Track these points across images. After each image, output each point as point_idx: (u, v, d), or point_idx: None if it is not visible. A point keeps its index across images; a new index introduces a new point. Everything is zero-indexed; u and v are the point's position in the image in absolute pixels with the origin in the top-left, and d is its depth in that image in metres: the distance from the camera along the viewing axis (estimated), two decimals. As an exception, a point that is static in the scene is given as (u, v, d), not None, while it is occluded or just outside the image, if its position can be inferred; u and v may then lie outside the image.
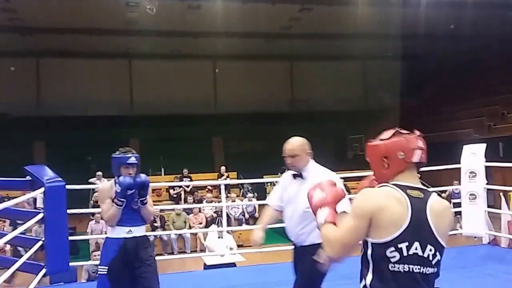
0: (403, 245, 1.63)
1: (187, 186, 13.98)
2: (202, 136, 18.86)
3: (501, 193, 6.74)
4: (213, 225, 11.52)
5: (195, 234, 11.45)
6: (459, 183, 6.53)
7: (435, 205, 1.69)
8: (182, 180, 13.90)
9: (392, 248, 1.63)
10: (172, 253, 11.23)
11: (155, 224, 11.71)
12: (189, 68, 18.85)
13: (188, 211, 12.22)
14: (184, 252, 11.35)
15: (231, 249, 7.63)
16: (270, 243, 11.26)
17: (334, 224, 1.74)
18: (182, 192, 14.10)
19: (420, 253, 1.65)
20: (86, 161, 17.03)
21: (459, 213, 6.44)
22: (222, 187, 6.67)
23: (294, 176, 3.12)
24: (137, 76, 18.56)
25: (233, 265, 6.84)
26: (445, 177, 8.62)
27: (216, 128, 18.71)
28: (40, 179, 4.55)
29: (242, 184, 14.45)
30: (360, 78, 21.23)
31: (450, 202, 13.10)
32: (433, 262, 1.70)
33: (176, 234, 11.46)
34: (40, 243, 4.53)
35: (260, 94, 19.14)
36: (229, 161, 17.12)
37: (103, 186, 3.45)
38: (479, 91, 18.03)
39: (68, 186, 4.83)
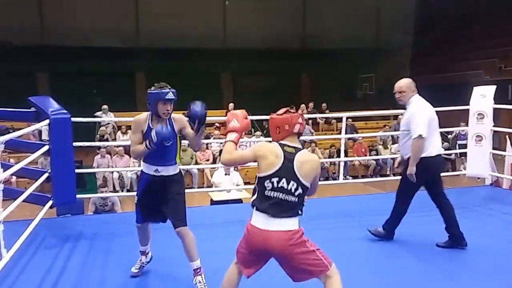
0: (274, 180, 2.54)
1: (194, 122, 13.93)
2: (211, 71, 18.51)
3: (507, 136, 6.70)
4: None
5: (202, 171, 11.50)
6: (466, 125, 6.63)
7: (300, 157, 2.57)
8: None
9: (268, 181, 2.54)
10: (180, 188, 11.34)
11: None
12: (197, -1, 18.24)
13: (195, 147, 12.24)
14: (192, 188, 11.45)
15: (237, 185, 7.65)
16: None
17: (235, 143, 2.73)
18: (190, 128, 14.07)
19: (285, 186, 2.53)
20: (92, 93, 16.84)
21: (464, 154, 6.51)
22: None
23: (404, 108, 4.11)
24: (144, 6, 17.99)
25: (239, 201, 6.90)
26: (453, 118, 8.54)
27: (225, 64, 18.35)
28: (45, 111, 4.46)
29: (250, 121, 14.34)
30: (374, 16, 20.53)
31: (456, 143, 13.09)
32: (295, 194, 2.53)
33: (183, 170, 11.52)
34: (46, 175, 4.51)
35: (271, 29, 18.53)
36: (238, 97, 16.93)
37: (139, 117, 3.32)
38: (492, 32, 17.64)
39: (74, 119, 4.75)
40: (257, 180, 2.61)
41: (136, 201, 3.40)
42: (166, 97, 3.19)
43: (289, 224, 2.52)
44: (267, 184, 2.54)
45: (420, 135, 3.88)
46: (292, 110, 2.71)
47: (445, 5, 18.52)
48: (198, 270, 3.23)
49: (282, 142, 2.62)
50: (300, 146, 2.64)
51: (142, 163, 3.36)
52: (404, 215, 4.23)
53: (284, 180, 2.52)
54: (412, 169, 3.93)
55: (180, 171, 3.41)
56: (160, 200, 3.28)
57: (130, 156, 11.50)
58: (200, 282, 3.20)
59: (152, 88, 3.26)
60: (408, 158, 3.99)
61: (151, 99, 3.22)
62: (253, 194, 2.63)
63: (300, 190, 2.53)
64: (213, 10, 18.68)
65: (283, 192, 2.52)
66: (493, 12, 18.15)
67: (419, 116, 3.94)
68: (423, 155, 3.94)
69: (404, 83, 4.08)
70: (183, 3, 17.81)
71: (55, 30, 16.40)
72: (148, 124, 3.26)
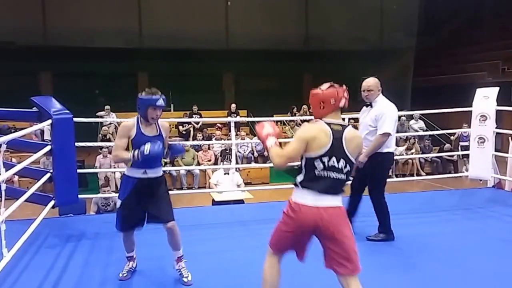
0: (325, 159, 2.53)
1: (197, 123, 13.94)
2: (213, 72, 18.47)
3: (509, 137, 6.71)
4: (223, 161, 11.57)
5: (204, 171, 11.50)
6: (469, 126, 6.61)
7: (348, 134, 2.57)
8: (191, 117, 13.84)
9: (318, 160, 2.53)
10: (181, 189, 11.35)
11: (164, 160, 11.77)
12: (200, 0, 18.21)
13: (197, 148, 12.24)
14: (193, 188, 11.46)
15: (238, 185, 7.65)
16: (277, 181, 11.38)
17: (278, 145, 2.68)
18: (191, 129, 14.08)
19: (336, 165, 2.54)
20: (94, 94, 16.86)
21: (467, 156, 6.49)
22: (232, 125, 6.56)
23: (367, 105, 4.31)
24: (146, 7, 17.98)
25: (241, 202, 6.88)
26: (455, 119, 8.52)
27: (227, 64, 18.32)
28: (48, 111, 4.47)
29: (252, 122, 14.38)
30: (377, 17, 20.48)
31: (458, 144, 13.03)
32: (344, 171, 2.57)
33: (185, 170, 11.53)
34: (48, 175, 4.52)
35: (274, 30, 18.49)
36: (240, 98, 16.91)
37: (127, 123, 3.38)
38: (496, 34, 17.62)
39: (76, 119, 4.76)
40: (304, 160, 2.58)
41: (119, 206, 3.43)
42: (157, 103, 3.26)
43: (338, 200, 2.57)
44: (318, 164, 2.53)
45: (388, 133, 4.15)
46: (335, 85, 2.68)
47: (449, 7, 18.48)
48: (182, 257, 3.46)
49: (326, 120, 2.59)
50: (344, 123, 2.62)
51: (127, 167, 3.39)
52: (388, 211, 4.33)
53: (334, 158, 2.52)
54: (364, 159, 4.07)
55: (163, 172, 3.49)
56: (147, 201, 3.35)
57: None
58: (183, 267, 3.45)
59: (143, 93, 3.31)
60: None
61: (142, 104, 3.28)
62: (299, 174, 2.59)
63: (348, 168, 2.57)
64: (216, 11, 18.66)
65: (334, 171, 2.53)
66: (497, 14, 18.13)
67: (390, 115, 4.17)
68: (388, 150, 4.24)
69: (372, 83, 4.25)
70: (186, 4, 17.80)
71: (58, 30, 16.39)
72: (137, 129, 3.32)
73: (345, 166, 2.55)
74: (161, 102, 3.27)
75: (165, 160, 11.65)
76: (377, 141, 4.15)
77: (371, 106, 4.27)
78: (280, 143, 2.75)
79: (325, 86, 2.66)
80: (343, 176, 2.56)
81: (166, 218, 3.32)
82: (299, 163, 2.62)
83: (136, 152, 3.20)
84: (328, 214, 2.50)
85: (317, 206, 2.50)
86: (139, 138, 3.27)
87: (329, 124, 2.56)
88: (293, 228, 2.57)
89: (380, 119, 4.15)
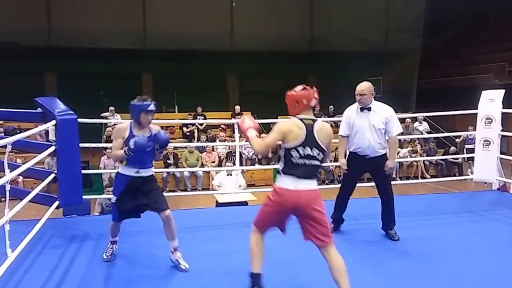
0: (300, 149, 2.95)
1: (201, 124, 13.94)
2: (217, 73, 18.45)
3: (514, 140, 6.66)
4: (226, 162, 11.57)
5: (208, 172, 11.51)
6: (474, 129, 6.60)
7: (317, 126, 3.01)
8: (195, 118, 13.84)
9: (295, 150, 2.95)
10: (185, 190, 11.36)
11: (169, 161, 11.79)
12: (205, 1, 18.11)
13: (201, 149, 12.25)
14: (197, 190, 11.46)
15: (240, 186, 7.66)
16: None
17: (258, 136, 3.12)
18: (195, 130, 14.09)
19: (311, 153, 2.96)
20: (99, 94, 16.84)
21: (472, 158, 6.47)
22: (236, 126, 6.56)
23: (361, 109, 4.33)
24: (151, 8, 18.00)
25: (244, 203, 6.88)
26: (461, 122, 8.47)
27: (231, 66, 18.29)
28: (52, 112, 4.48)
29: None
30: (382, 18, 20.41)
31: (463, 147, 12.98)
32: (318, 158, 3.00)
33: (189, 172, 11.54)
34: (52, 175, 4.52)
35: (278, 31, 18.43)
36: (244, 99, 16.90)
37: (121, 126, 3.75)
38: (501, 36, 17.54)
39: (81, 120, 4.78)
40: (283, 151, 3.01)
41: (114, 201, 3.73)
42: (148, 108, 3.58)
43: (314, 184, 3.00)
44: (294, 153, 2.95)
45: (400, 132, 4.44)
46: (307, 87, 3.07)
47: (455, 8, 18.40)
48: (177, 248, 3.71)
49: (300, 116, 3.02)
50: (315, 118, 3.06)
51: (121, 166, 3.70)
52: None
53: (308, 148, 2.95)
54: (392, 164, 4.39)
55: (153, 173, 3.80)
56: (140, 196, 3.65)
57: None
58: (180, 257, 3.70)
59: (135, 100, 3.62)
60: (384, 155, 4.38)
61: (134, 110, 3.60)
62: (279, 162, 3.05)
63: (321, 155, 3.01)
64: (220, 12, 18.64)
65: (309, 159, 2.96)
66: (503, 16, 18.05)
67: (396, 117, 4.38)
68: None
69: (365, 87, 4.31)
70: (190, 4, 17.80)
71: (63, 31, 16.39)
72: (130, 131, 3.64)
73: (318, 154, 2.99)
74: (152, 107, 3.59)
75: (169, 162, 11.68)
76: (396, 142, 4.41)
77: (368, 110, 4.32)
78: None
79: (299, 88, 3.08)
80: (317, 162, 3.00)
81: (162, 207, 3.61)
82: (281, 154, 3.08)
83: (125, 148, 3.52)
84: (305, 195, 2.94)
85: (296, 190, 2.93)
86: (131, 138, 3.55)
87: (302, 119, 2.99)
88: (277, 209, 3.01)
89: (390, 121, 4.30)
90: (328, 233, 2.97)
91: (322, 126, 3.03)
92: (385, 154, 4.36)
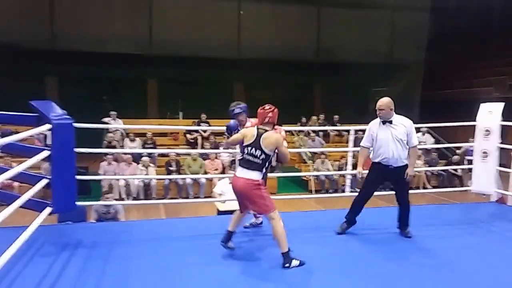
0: (249, 148, 3.94)
1: (204, 131, 13.83)
2: (223, 81, 18.41)
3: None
4: (229, 170, 11.42)
5: (211, 180, 11.37)
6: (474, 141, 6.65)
7: (265, 135, 3.93)
8: (199, 125, 13.73)
9: (246, 148, 3.96)
10: (187, 198, 11.22)
11: (171, 168, 11.67)
12: (212, 8, 18.13)
13: (205, 157, 12.12)
14: (199, 197, 11.31)
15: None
16: (285, 191, 11.23)
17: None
18: (199, 137, 13.98)
19: (254, 153, 3.92)
20: (102, 100, 16.70)
21: (471, 170, 6.60)
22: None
23: (383, 122, 4.64)
24: (158, 14, 17.96)
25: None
26: (462, 134, 8.44)
27: (237, 74, 18.25)
28: (47, 116, 4.37)
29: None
30: (388, 31, 20.39)
31: (463, 158, 12.87)
32: (260, 158, 3.91)
33: (191, 179, 11.40)
34: (45, 181, 4.40)
35: (285, 40, 18.39)
36: (250, 107, 16.78)
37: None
38: (503, 50, 17.68)
39: (78, 125, 4.66)
40: (241, 148, 4.09)
41: None
42: (233, 113, 4.90)
43: (252, 175, 3.90)
44: (245, 150, 3.98)
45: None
46: (267, 107, 4.09)
47: (458, 22, 18.47)
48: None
49: (260, 126, 4.04)
50: (268, 129, 4.01)
51: None
52: None
53: (253, 148, 3.93)
54: (412, 172, 4.69)
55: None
56: None
57: (137, 163, 11.45)
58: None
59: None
60: (405, 165, 4.68)
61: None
62: (240, 157, 4.08)
63: (263, 156, 3.92)
64: (228, 20, 18.61)
65: (252, 156, 3.93)
66: (505, 31, 18.12)
67: (414, 128, 4.71)
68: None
69: (384, 103, 4.61)
70: (198, 11, 17.78)
71: (66, 34, 16.30)
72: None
73: (260, 155, 3.91)
74: (236, 110, 4.94)
75: (171, 169, 11.56)
76: (416, 152, 4.80)
77: (390, 123, 4.61)
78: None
79: (267, 106, 4.10)
80: (258, 160, 3.92)
81: None
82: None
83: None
84: (242, 181, 3.90)
85: (239, 177, 3.94)
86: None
87: (258, 128, 4.01)
88: (234, 192, 4.03)
89: (411, 132, 4.63)
90: (263, 205, 3.85)
91: (268, 135, 3.96)
92: (406, 164, 4.64)
